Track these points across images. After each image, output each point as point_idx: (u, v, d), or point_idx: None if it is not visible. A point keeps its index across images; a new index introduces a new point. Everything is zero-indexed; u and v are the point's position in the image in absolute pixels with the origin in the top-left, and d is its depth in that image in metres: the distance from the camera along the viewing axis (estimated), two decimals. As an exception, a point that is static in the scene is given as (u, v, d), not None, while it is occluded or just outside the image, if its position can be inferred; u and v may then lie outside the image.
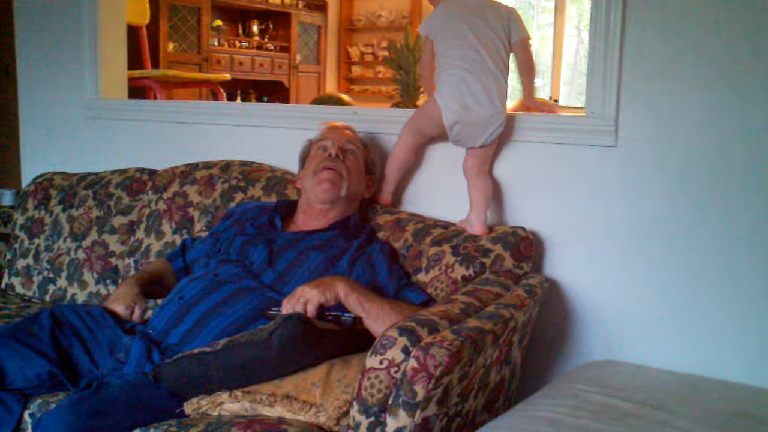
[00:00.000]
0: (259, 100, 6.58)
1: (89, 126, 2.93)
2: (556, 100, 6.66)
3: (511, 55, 2.07)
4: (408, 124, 2.13)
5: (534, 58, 2.16)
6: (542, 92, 6.88)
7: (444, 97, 2.01)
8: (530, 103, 2.20)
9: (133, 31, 3.76)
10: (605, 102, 1.99)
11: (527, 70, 2.14)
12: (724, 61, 1.86)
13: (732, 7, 1.84)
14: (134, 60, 3.63)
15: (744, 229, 1.87)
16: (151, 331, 1.84)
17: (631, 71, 1.96)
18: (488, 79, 1.99)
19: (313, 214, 2.06)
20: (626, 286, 2.02)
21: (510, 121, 2.08)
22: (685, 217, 1.93)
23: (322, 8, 7.06)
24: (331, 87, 7.28)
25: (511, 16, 2.05)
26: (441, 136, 2.08)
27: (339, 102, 2.77)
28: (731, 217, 1.88)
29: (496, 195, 2.13)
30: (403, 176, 2.22)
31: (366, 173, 2.14)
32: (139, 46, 4.21)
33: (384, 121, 2.31)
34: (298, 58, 6.76)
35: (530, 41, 2.11)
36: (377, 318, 1.64)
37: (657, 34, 1.92)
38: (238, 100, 6.22)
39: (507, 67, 2.04)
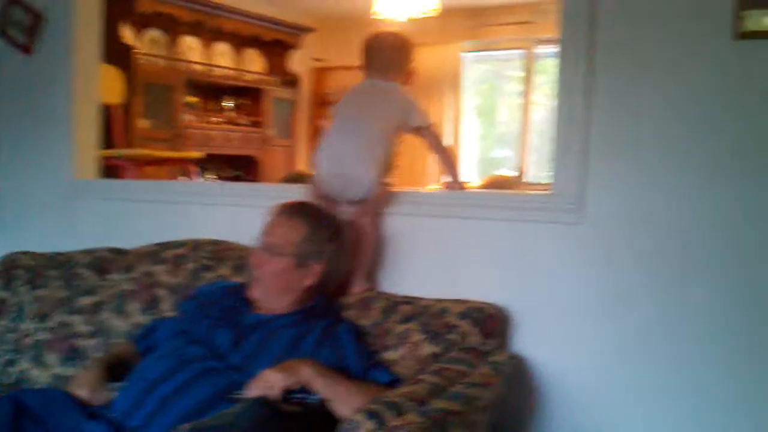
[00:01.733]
0: (233, 174, 6.61)
1: (61, 206, 2.92)
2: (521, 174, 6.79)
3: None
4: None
5: (442, 143, 2.33)
6: (509, 163, 6.98)
7: (320, 149, 2.18)
8: (454, 186, 2.31)
9: (106, 109, 3.80)
10: (570, 181, 2.04)
11: (439, 155, 2.33)
12: (688, 140, 1.92)
13: (693, 87, 1.92)
14: (107, 137, 3.65)
15: (716, 302, 1.90)
16: (113, 415, 1.80)
17: (596, 151, 2.01)
18: (368, 143, 2.12)
19: None
20: (593, 363, 2.03)
21: (475, 200, 2.13)
22: (651, 294, 1.96)
23: (294, 83, 7.19)
24: (301, 161, 7.35)
25: (412, 104, 2.20)
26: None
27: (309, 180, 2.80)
28: (699, 292, 1.92)
29: (463, 273, 2.16)
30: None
31: (299, 265, 2.00)
32: (112, 124, 4.25)
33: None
34: (271, 132, 6.83)
35: (432, 129, 2.25)
36: (343, 400, 1.63)
37: (621, 115, 1.99)
38: (206, 175, 6.22)
39: (393, 141, 2.16)
